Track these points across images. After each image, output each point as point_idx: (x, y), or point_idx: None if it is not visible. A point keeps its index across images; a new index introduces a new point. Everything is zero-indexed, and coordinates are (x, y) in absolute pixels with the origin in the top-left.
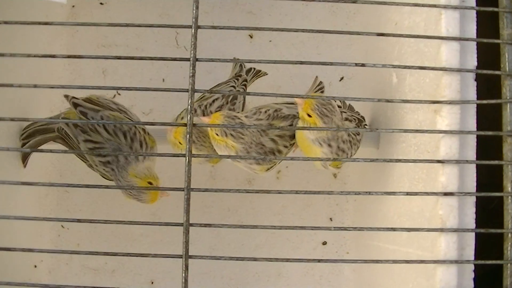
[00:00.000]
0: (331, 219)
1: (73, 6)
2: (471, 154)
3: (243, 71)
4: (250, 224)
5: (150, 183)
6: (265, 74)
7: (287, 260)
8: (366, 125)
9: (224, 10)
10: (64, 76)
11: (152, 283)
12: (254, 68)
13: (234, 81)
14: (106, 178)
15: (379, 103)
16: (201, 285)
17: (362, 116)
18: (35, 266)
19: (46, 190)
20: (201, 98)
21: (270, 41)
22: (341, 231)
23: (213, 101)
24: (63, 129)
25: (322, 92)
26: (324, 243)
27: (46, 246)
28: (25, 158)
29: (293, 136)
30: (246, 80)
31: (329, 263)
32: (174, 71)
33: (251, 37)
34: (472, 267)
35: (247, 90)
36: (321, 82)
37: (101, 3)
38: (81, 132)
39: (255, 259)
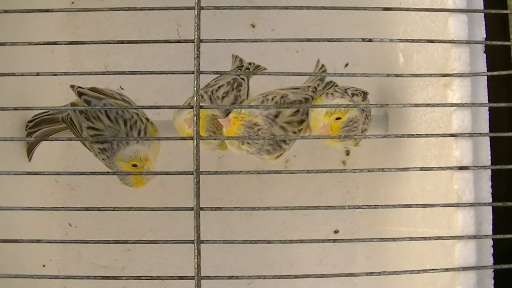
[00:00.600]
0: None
1: (73, 2)
2: (484, 127)
3: (244, 65)
4: (260, 215)
5: (134, 165)
6: (264, 68)
7: (302, 241)
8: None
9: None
10: (66, 71)
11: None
12: (254, 63)
13: (237, 70)
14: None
15: (386, 85)
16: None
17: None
18: (44, 266)
19: (52, 189)
20: (206, 85)
21: (273, 29)
22: (353, 219)
23: (219, 87)
24: (68, 116)
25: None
26: (336, 231)
27: (54, 244)
28: (30, 150)
29: (301, 122)
30: (248, 69)
31: (344, 246)
32: (177, 64)
33: (253, 26)
34: (490, 242)
35: (248, 84)
36: (323, 65)
37: None
38: (85, 119)
39: (268, 242)
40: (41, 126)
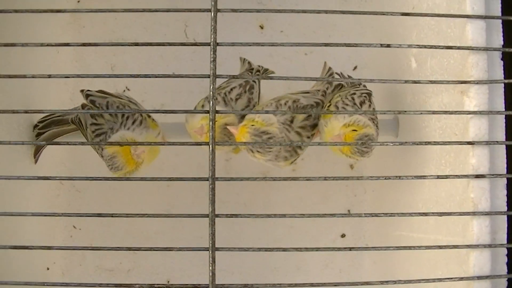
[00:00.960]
0: (349, 210)
1: (78, 1)
2: (501, 135)
3: (253, 68)
4: (267, 218)
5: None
6: (272, 72)
7: (318, 249)
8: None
9: (234, 1)
10: (72, 72)
11: (168, 281)
12: (262, 66)
13: (248, 73)
14: None
15: (396, 89)
16: (219, 280)
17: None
18: (48, 269)
19: (58, 191)
20: (218, 87)
21: (282, 31)
22: (361, 223)
23: (231, 89)
24: (77, 116)
25: (332, 77)
26: (343, 235)
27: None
28: (37, 152)
29: (313, 126)
30: (259, 71)
31: (350, 254)
32: (184, 64)
33: (262, 27)
34: (505, 251)
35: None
36: (330, 68)
37: None
38: (90, 117)
39: (284, 250)
40: (50, 128)
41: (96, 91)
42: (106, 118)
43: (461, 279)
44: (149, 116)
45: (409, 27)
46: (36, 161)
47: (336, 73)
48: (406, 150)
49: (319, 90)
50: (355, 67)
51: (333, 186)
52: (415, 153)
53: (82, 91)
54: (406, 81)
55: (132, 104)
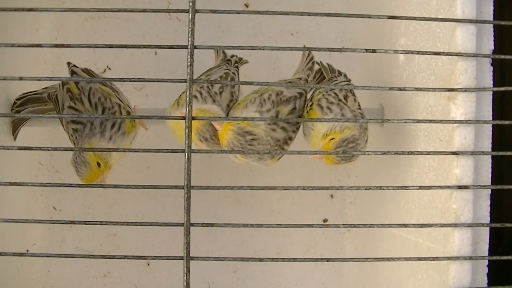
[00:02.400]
0: (332, 196)
1: None
2: (487, 144)
3: (228, 58)
4: (248, 203)
5: (98, 164)
6: (246, 62)
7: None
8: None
9: None
10: (52, 51)
11: (149, 264)
12: (236, 56)
13: (226, 64)
14: None
15: (383, 79)
16: (199, 264)
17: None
18: (27, 250)
19: (36, 172)
20: (197, 78)
21: (267, 10)
22: (343, 209)
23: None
24: (55, 93)
25: (313, 63)
26: (325, 220)
27: (38, 228)
28: (15, 129)
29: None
30: (237, 62)
31: (332, 235)
32: (168, 42)
33: (247, 6)
34: (486, 262)
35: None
36: (310, 52)
37: None
38: (69, 98)
39: (260, 260)
40: (27, 105)
41: (82, 69)
42: (86, 106)
43: None
44: (128, 115)
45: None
46: (15, 138)
47: (316, 62)
48: (391, 145)
49: (300, 78)
50: (342, 47)
51: (316, 171)
52: (401, 149)
53: (68, 64)
54: (390, 88)
55: (113, 97)
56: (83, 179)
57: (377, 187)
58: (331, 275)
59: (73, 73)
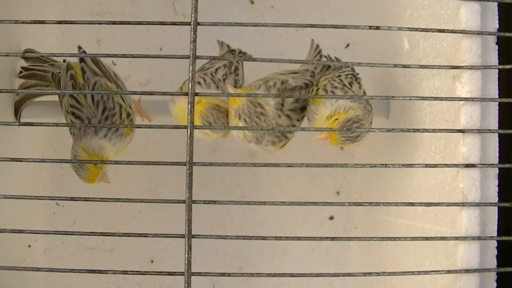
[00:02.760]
0: (338, 192)
1: None
2: (493, 123)
3: (233, 49)
4: (254, 199)
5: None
6: (251, 56)
7: (292, 238)
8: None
9: None
10: (58, 46)
11: (152, 261)
12: (240, 49)
13: (230, 54)
14: None
15: (388, 70)
16: (203, 262)
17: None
18: (29, 246)
19: (40, 166)
20: (202, 68)
21: (272, 6)
22: (349, 206)
23: (216, 70)
24: (58, 75)
25: (320, 56)
26: (331, 217)
27: (40, 224)
28: (17, 111)
29: (303, 108)
30: (241, 52)
31: (339, 233)
32: (172, 39)
33: (252, 2)
34: (495, 243)
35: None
36: (318, 46)
37: None
38: (71, 86)
39: (263, 238)
40: (31, 80)
41: (91, 59)
42: (88, 101)
43: (448, 272)
44: (128, 117)
45: (404, 5)
46: (19, 120)
47: (324, 55)
48: (396, 134)
49: (307, 70)
50: (348, 45)
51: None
52: (405, 137)
53: (79, 48)
54: (395, 65)
55: (116, 97)
56: (85, 181)
57: (382, 164)
58: (336, 270)
59: (81, 60)
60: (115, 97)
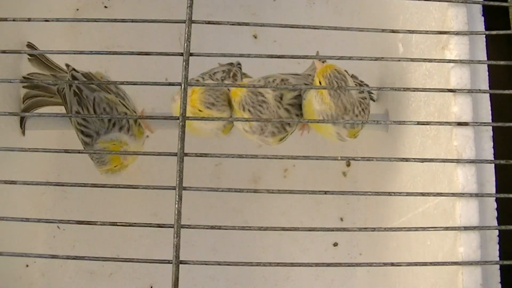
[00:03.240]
0: (341, 219)
1: (78, 9)
2: (484, 86)
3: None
4: (256, 225)
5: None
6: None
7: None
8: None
9: (228, 13)
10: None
11: (152, 287)
12: (238, 62)
13: (228, 64)
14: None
15: (386, 73)
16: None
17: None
18: (27, 266)
19: (43, 189)
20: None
21: (275, 41)
22: (354, 231)
23: (215, 73)
24: (63, 90)
25: (323, 62)
26: (335, 244)
27: (40, 247)
28: (22, 121)
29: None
30: (239, 63)
31: (343, 258)
32: (177, 69)
33: (256, 37)
34: (494, 204)
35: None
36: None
37: (105, 6)
38: (76, 103)
39: (265, 264)
40: (35, 90)
41: (84, 74)
42: (93, 118)
43: (446, 228)
44: (136, 122)
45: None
46: (23, 132)
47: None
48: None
49: (309, 75)
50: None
51: (327, 179)
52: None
53: (68, 65)
54: (383, 30)
55: (120, 106)
56: (107, 166)
57: (387, 193)
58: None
59: (73, 77)
60: (118, 106)
